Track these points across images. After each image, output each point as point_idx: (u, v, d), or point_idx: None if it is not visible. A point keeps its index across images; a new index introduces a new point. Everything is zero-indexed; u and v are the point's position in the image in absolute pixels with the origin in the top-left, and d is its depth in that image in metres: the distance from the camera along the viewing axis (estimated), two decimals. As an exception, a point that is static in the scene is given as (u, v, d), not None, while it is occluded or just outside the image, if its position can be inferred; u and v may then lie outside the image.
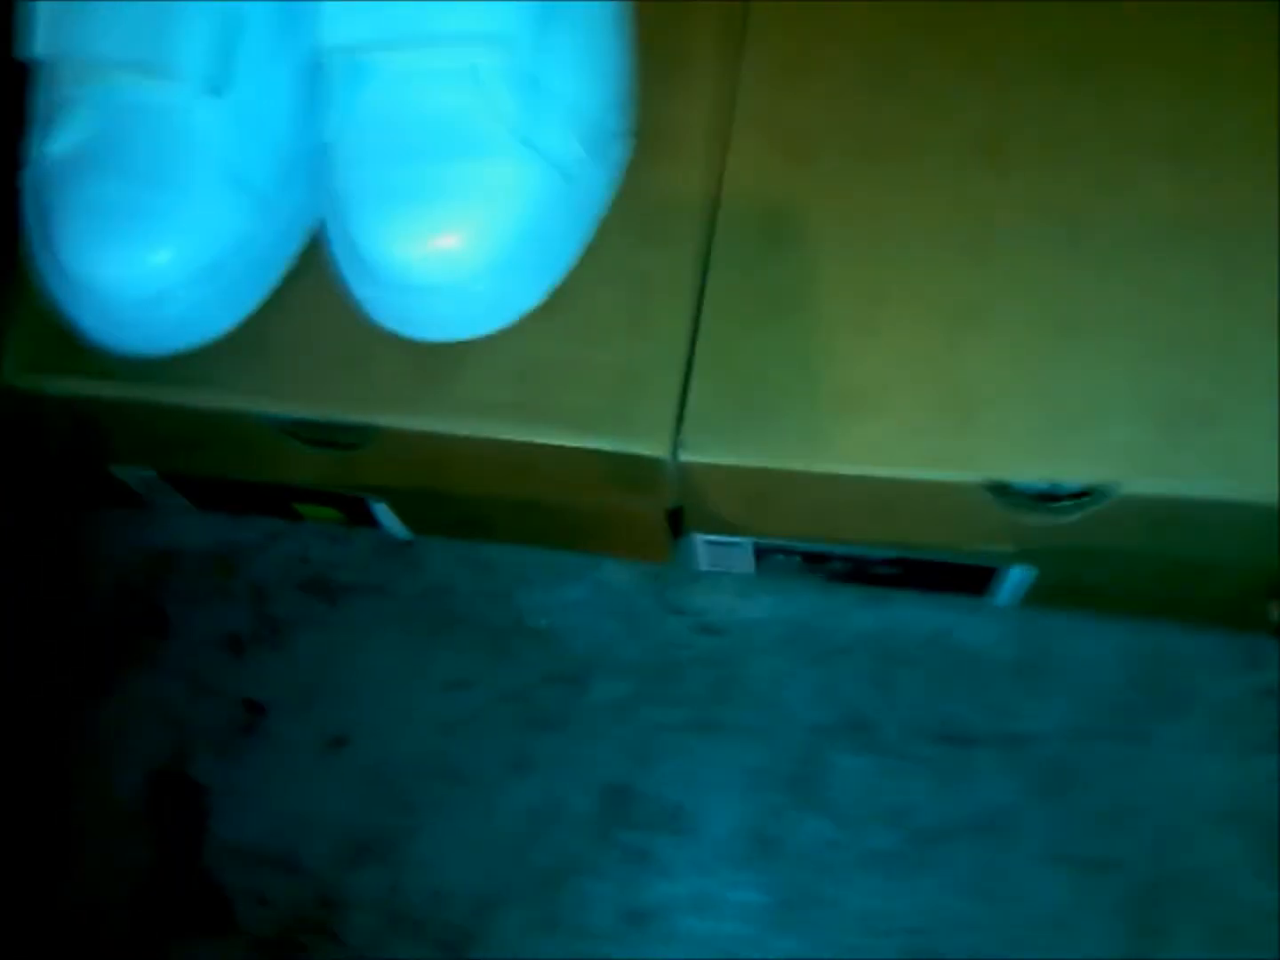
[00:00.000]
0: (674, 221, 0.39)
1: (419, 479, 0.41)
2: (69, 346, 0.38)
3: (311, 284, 0.39)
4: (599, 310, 0.38)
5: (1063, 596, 0.44)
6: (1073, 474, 0.36)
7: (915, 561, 0.43)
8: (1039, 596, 0.44)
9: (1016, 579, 0.43)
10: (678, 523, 0.43)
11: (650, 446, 0.37)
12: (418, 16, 0.35)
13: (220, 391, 0.39)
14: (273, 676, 0.49)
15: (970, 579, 0.44)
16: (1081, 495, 0.36)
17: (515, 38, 0.36)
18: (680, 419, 0.37)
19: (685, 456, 0.37)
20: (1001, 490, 0.36)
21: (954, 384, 0.37)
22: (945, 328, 0.37)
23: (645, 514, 0.42)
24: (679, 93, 0.40)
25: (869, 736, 0.45)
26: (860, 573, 0.45)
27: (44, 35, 0.36)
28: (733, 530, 0.43)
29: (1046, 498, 0.36)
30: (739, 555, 0.45)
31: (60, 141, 0.37)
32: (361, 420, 0.38)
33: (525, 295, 0.38)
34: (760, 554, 0.44)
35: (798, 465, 0.37)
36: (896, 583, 0.45)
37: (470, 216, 0.35)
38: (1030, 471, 0.36)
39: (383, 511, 0.46)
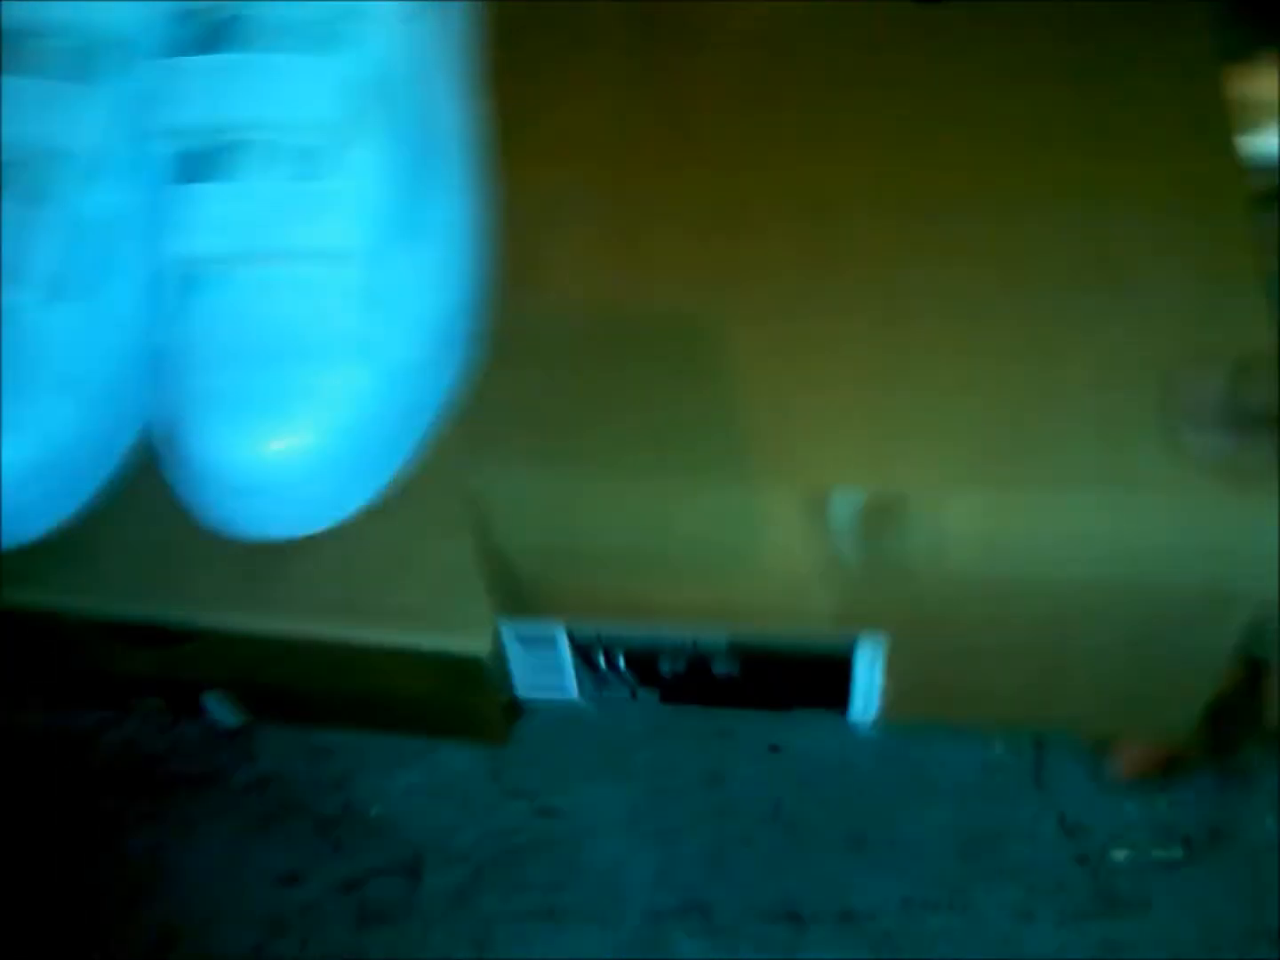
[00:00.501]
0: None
1: (247, 673, 0.41)
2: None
3: (142, 482, 0.39)
4: (428, 508, 0.39)
5: (921, 697, 0.43)
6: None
7: (756, 655, 0.41)
8: (898, 701, 0.43)
9: (866, 672, 0.41)
10: (514, 708, 0.43)
11: (475, 646, 0.38)
12: (258, 231, 0.36)
13: (44, 589, 0.38)
14: (100, 873, 0.47)
15: (821, 678, 0.42)
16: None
17: (355, 253, 0.37)
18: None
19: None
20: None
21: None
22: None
23: (479, 701, 0.42)
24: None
25: (707, 919, 0.45)
26: (698, 678, 0.43)
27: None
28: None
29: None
30: (556, 663, 0.42)
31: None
32: (186, 619, 0.38)
33: (355, 496, 0.39)
34: (580, 655, 0.42)
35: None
36: (739, 695, 0.43)
37: (301, 422, 0.36)
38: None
39: (213, 702, 0.45)
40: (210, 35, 0.37)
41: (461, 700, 0.42)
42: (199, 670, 0.41)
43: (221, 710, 0.46)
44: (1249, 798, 0.46)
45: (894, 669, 0.40)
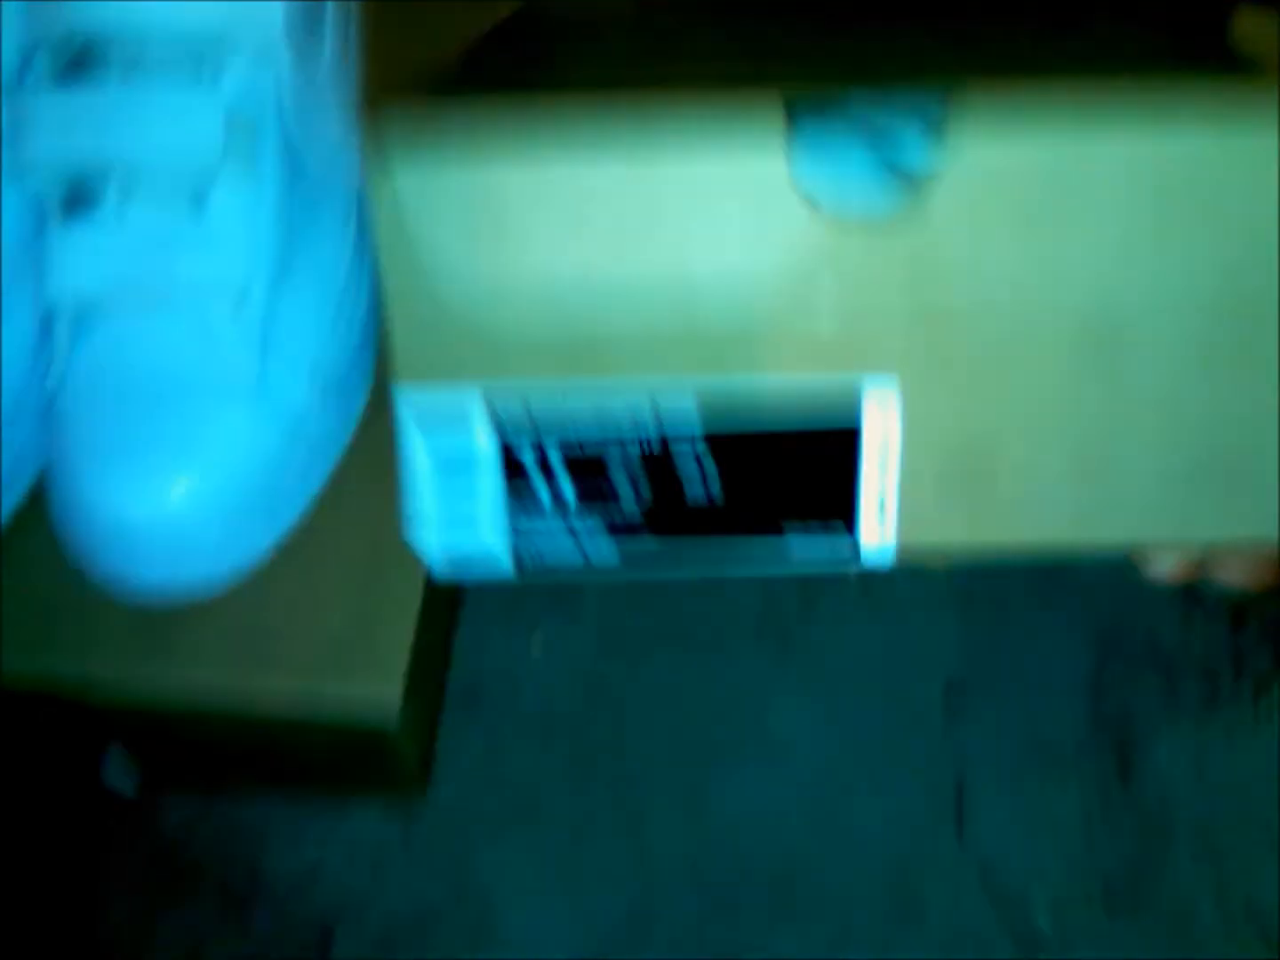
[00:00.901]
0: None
1: (145, 733, 0.40)
2: None
3: (34, 534, 0.38)
4: (329, 563, 0.38)
5: (946, 498, 0.33)
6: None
7: (731, 437, 0.32)
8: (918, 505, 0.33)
9: (878, 449, 0.32)
10: (426, 761, 0.42)
11: (383, 700, 0.37)
12: (138, 268, 0.36)
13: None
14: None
15: (819, 462, 0.32)
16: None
17: (248, 288, 0.37)
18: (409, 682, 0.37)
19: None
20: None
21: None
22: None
23: (390, 757, 0.41)
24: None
25: (624, 979, 0.44)
26: (660, 487, 0.32)
27: None
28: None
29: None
30: (469, 468, 0.33)
31: None
32: (77, 674, 0.37)
33: (250, 548, 0.38)
34: (506, 461, 0.32)
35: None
36: (713, 510, 0.33)
37: (194, 468, 0.35)
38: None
39: (112, 767, 0.44)
40: (78, 65, 0.36)
41: (371, 758, 0.41)
42: (95, 730, 0.40)
43: (120, 777, 0.44)
44: (1169, 841, 0.46)
45: (912, 443, 0.31)
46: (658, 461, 0.32)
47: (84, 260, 0.36)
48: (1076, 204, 0.30)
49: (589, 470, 0.32)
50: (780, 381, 0.31)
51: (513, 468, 0.32)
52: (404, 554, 0.39)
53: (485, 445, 0.31)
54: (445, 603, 0.44)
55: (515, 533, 0.32)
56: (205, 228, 0.36)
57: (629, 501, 0.32)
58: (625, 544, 0.33)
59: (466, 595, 0.48)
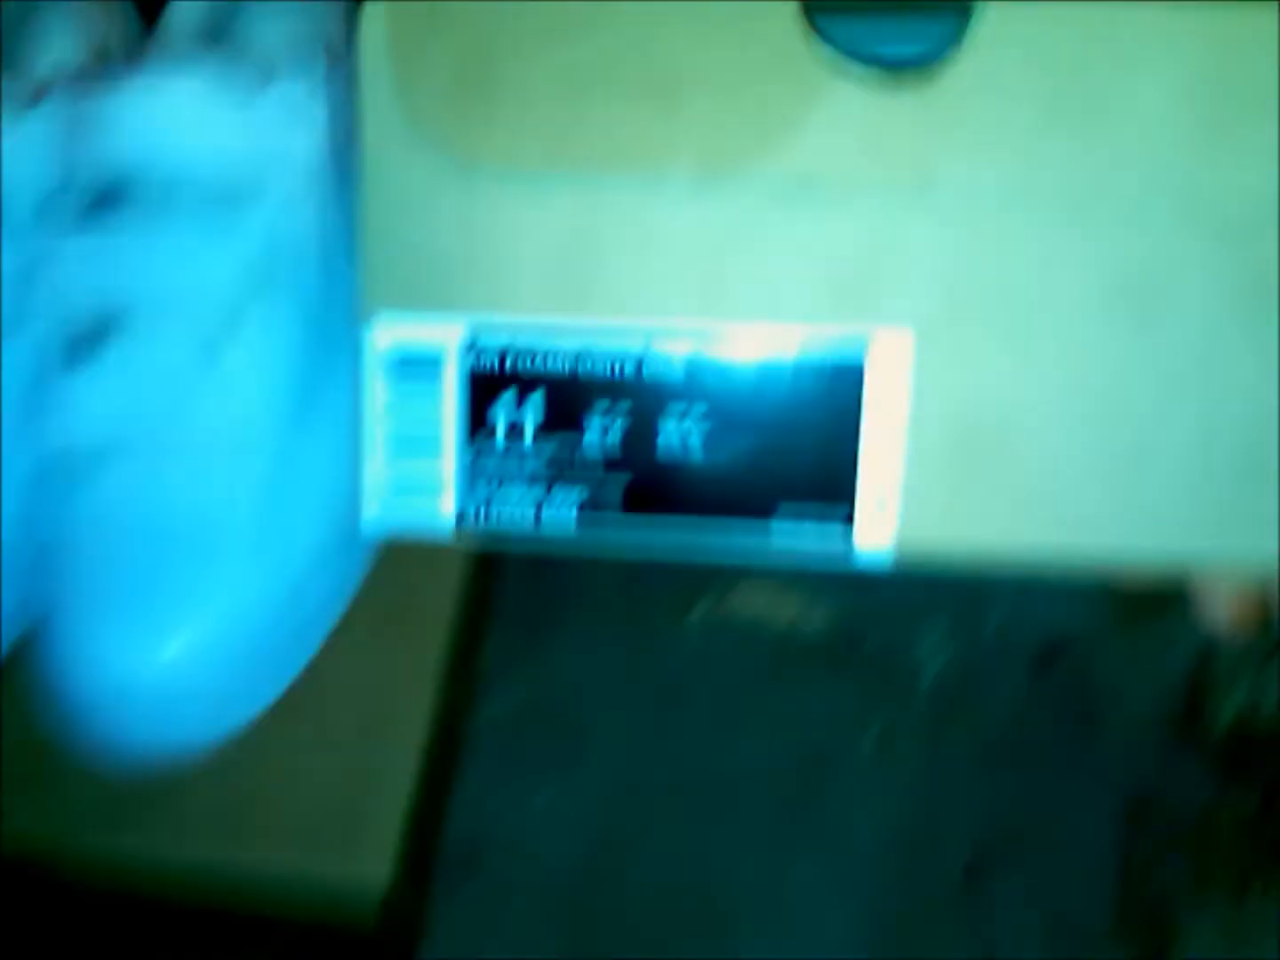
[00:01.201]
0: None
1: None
2: None
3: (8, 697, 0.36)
4: (326, 721, 0.37)
5: (957, 490, 0.28)
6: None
7: (722, 394, 0.29)
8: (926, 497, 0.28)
9: (883, 396, 0.28)
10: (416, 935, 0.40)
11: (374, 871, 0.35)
12: (147, 418, 0.35)
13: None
14: None
15: (820, 429, 0.29)
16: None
17: (258, 438, 0.36)
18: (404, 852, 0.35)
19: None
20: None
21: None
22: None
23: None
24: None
25: None
26: (638, 454, 0.29)
27: None
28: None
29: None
30: (433, 421, 0.30)
31: None
32: (51, 848, 0.35)
33: (246, 707, 0.36)
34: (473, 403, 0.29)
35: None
36: (697, 484, 0.29)
37: (194, 621, 0.34)
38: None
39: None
40: (102, 205, 0.36)
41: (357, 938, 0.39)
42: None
43: None
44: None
45: (920, 416, 0.28)
46: (639, 419, 0.29)
47: (89, 405, 0.35)
48: (1108, 96, 0.27)
49: (560, 422, 0.29)
50: (780, 328, 0.28)
51: (478, 413, 0.29)
52: (400, 718, 0.38)
53: (452, 385, 0.29)
54: (443, 761, 0.43)
55: (468, 485, 0.30)
56: (216, 375, 0.35)
57: (596, 465, 0.29)
58: (588, 513, 0.29)
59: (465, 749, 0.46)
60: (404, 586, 0.39)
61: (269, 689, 0.36)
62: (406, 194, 0.29)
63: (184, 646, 0.34)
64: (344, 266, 0.37)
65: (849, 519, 0.29)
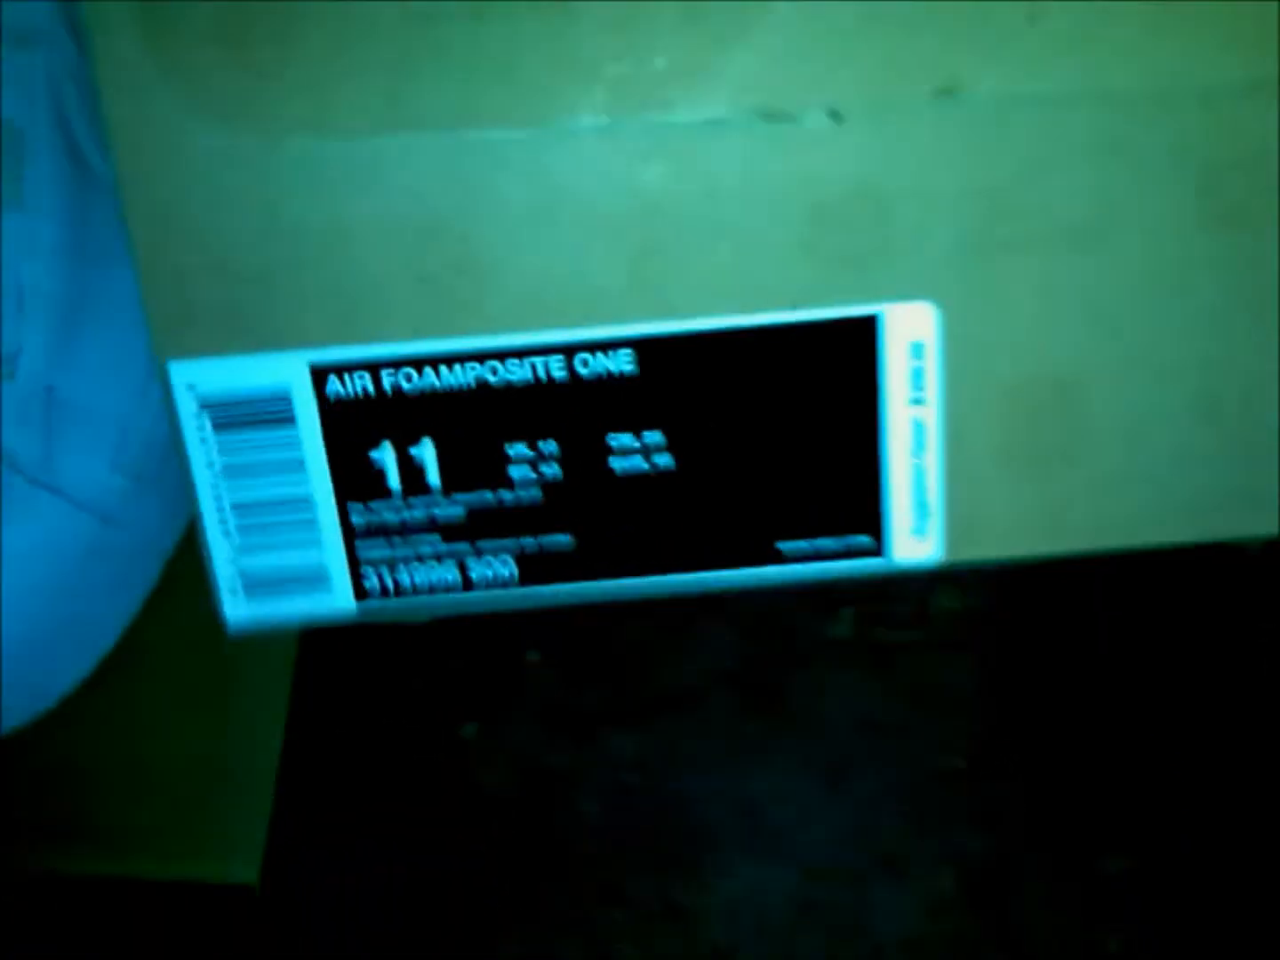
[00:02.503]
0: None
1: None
2: None
3: None
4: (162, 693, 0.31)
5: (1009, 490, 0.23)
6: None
7: (691, 412, 0.22)
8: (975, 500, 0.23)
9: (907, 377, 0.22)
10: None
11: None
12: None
13: None
14: None
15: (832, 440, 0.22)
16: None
17: (20, 353, 0.28)
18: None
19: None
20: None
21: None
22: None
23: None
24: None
25: None
26: (579, 484, 0.22)
27: None
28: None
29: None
30: (290, 461, 0.22)
31: None
32: None
33: (62, 675, 0.30)
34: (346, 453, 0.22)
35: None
36: (678, 545, 0.23)
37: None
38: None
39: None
40: None
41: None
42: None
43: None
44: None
45: (958, 400, 0.22)
46: (580, 448, 0.21)
47: None
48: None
49: (471, 470, 0.21)
50: (756, 316, 0.21)
51: (356, 461, 0.21)
52: (258, 673, 0.32)
53: (314, 429, 0.21)
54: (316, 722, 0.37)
55: (363, 554, 0.22)
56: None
57: (531, 509, 0.22)
58: (533, 566, 0.22)
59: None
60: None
61: (79, 658, 0.30)
62: (181, 185, 0.20)
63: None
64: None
65: (876, 549, 0.23)
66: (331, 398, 0.22)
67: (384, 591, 0.23)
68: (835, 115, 0.20)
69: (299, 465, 0.22)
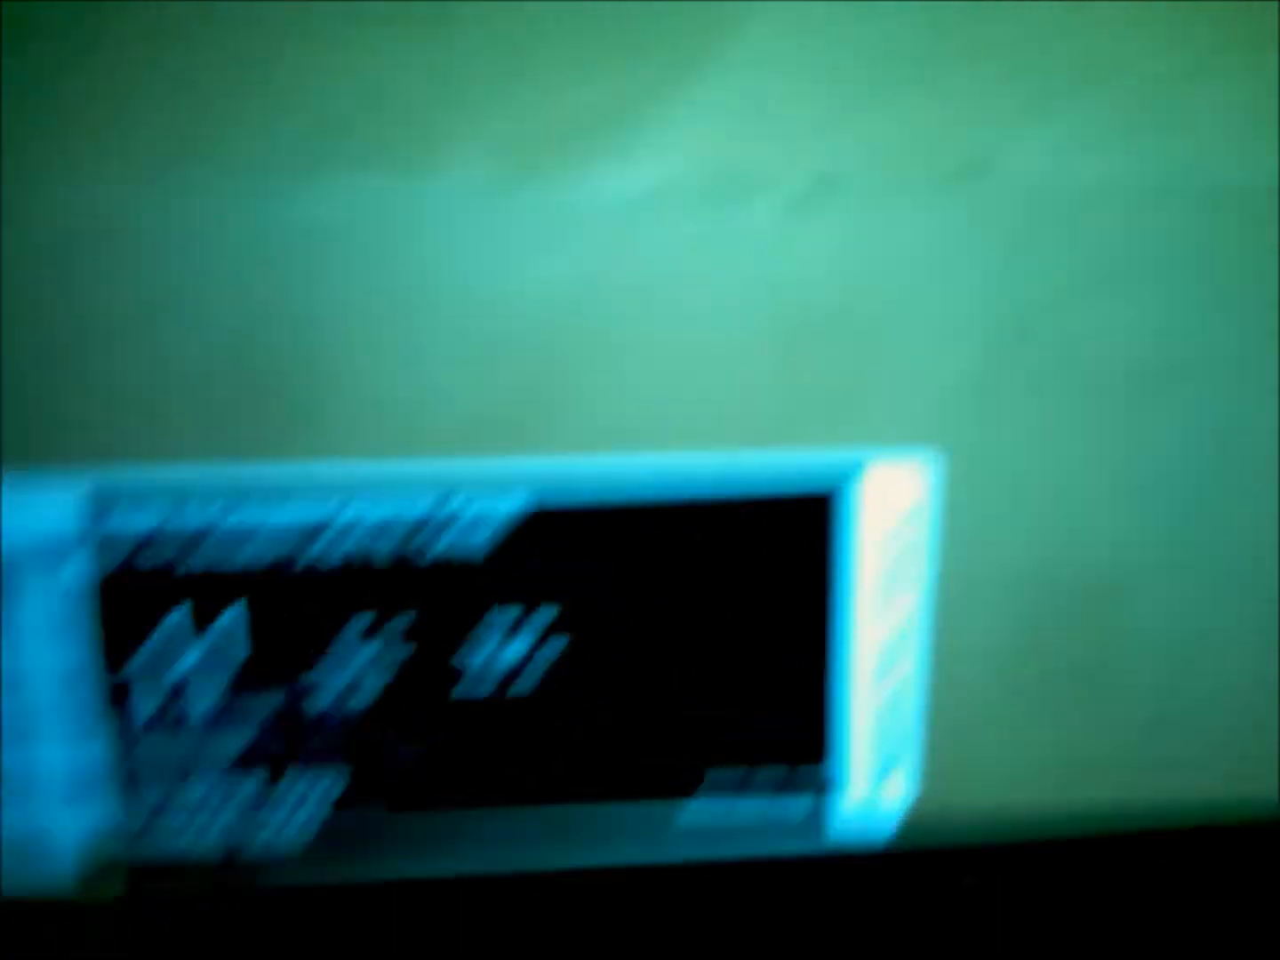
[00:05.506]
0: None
1: None
2: None
3: None
4: None
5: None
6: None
7: (589, 590, 0.16)
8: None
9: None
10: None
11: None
12: None
13: None
14: None
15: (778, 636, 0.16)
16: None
17: None
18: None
19: None
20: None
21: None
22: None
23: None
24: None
25: None
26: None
27: None
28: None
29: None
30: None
31: None
32: None
33: None
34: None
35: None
36: (553, 776, 0.17)
37: None
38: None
39: None
40: None
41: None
42: None
43: None
44: None
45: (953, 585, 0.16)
46: (430, 637, 0.15)
47: None
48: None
49: (277, 658, 0.15)
50: (687, 457, 0.15)
51: (118, 650, 0.15)
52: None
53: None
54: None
55: (117, 795, 0.15)
56: None
57: (354, 727, 0.16)
58: (350, 812, 0.16)
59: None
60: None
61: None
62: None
63: None
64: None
65: (825, 788, 0.16)
66: (100, 558, 0.15)
67: (138, 848, 0.16)
68: (811, 194, 0.15)
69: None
